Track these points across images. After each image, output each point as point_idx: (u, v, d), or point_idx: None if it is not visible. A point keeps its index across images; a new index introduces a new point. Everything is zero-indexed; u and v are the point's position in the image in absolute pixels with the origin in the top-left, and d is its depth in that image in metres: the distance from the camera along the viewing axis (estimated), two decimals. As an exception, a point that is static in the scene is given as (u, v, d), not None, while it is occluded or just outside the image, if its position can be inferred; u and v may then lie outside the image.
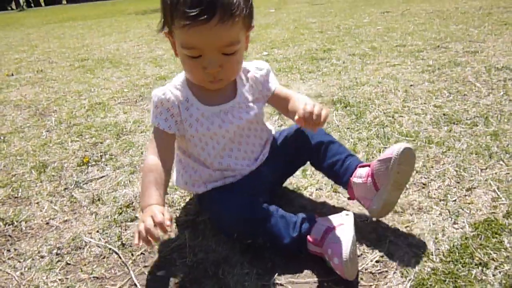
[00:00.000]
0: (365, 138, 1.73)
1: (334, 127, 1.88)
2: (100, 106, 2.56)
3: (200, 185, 1.20)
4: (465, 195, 1.28)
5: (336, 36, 4.37)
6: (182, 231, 1.24)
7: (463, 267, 0.99)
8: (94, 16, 12.02)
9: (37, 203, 1.47)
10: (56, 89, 3.13)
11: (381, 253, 1.07)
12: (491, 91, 2.17)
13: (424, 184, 1.36)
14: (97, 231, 1.27)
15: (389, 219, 1.20)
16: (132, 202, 1.41)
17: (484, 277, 0.95)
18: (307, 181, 1.44)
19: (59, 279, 1.08)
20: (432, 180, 1.38)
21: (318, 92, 2.44)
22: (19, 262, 1.16)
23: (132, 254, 1.15)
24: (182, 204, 1.38)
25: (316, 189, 1.39)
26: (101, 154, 1.82)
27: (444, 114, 1.91)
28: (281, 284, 1.00)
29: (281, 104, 1.23)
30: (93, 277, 1.08)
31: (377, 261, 1.04)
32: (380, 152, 1.59)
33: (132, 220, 1.31)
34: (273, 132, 1.33)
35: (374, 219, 1.20)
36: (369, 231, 1.16)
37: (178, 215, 1.32)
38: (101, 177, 1.61)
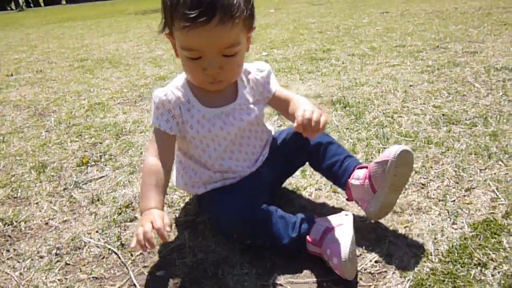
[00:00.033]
0: (365, 139, 1.73)
1: (334, 127, 1.88)
2: (100, 106, 2.56)
3: (200, 186, 1.20)
4: (464, 196, 1.28)
5: (335, 36, 4.37)
6: (181, 232, 1.24)
7: (462, 267, 0.99)
8: (93, 16, 12.02)
9: (37, 203, 1.47)
10: (56, 89, 3.13)
11: (380, 253, 1.07)
12: (490, 92, 2.17)
13: (423, 185, 1.36)
14: (97, 231, 1.27)
15: (388, 220, 1.20)
16: (132, 202, 1.41)
17: (483, 277, 0.95)
18: (307, 181, 1.44)
19: (58, 279, 1.08)
20: (431, 180, 1.38)
21: (317, 92, 2.44)
22: (19, 262, 1.16)
23: (132, 254, 1.15)
24: (182, 205, 1.38)
25: (316, 189, 1.39)
26: (101, 154, 1.82)
27: (443, 115, 1.91)
28: (280, 284, 1.00)
29: (281, 106, 1.23)
30: (92, 277, 1.08)
31: (376, 261, 1.04)
32: (379, 153, 1.59)
33: (131, 220, 1.31)
34: (273, 133, 1.33)
35: (372, 220, 1.20)
36: (368, 231, 1.16)
37: (177, 215, 1.33)
38: (101, 177, 1.61)
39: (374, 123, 1.89)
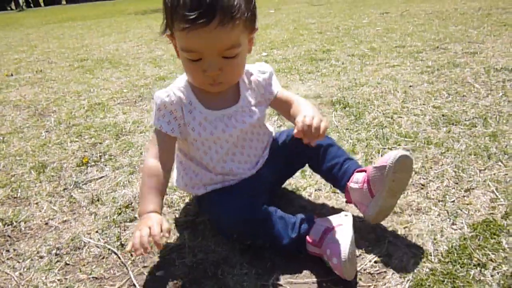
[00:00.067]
0: (364, 139, 1.73)
1: (333, 128, 1.88)
2: (100, 106, 2.56)
3: (200, 187, 1.20)
4: (464, 196, 1.28)
5: (335, 36, 4.37)
6: (181, 232, 1.24)
7: (461, 267, 0.99)
8: (93, 16, 12.02)
9: (36, 203, 1.47)
10: (56, 89, 3.13)
11: (380, 253, 1.07)
12: (490, 92, 2.17)
13: (423, 185, 1.36)
14: (96, 232, 1.27)
15: (388, 220, 1.20)
16: (131, 203, 1.41)
17: (482, 278, 0.95)
18: (306, 182, 1.44)
19: (58, 280, 1.08)
20: (431, 181, 1.38)
21: (317, 93, 2.44)
22: (18, 262, 1.16)
23: (131, 255, 1.15)
24: (182, 205, 1.38)
25: (315, 190, 1.39)
26: (101, 154, 1.82)
27: (443, 115, 1.91)
28: (280, 284, 1.00)
29: (283, 107, 1.22)
30: (92, 277, 1.08)
31: (375, 262, 1.04)
32: (379, 153, 1.60)
33: (131, 221, 1.31)
34: (273, 134, 1.33)
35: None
36: (368, 232, 1.16)
37: (177, 215, 1.33)
38: (101, 178, 1.61)
39: (374, 124, 1.89)
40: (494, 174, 1.39)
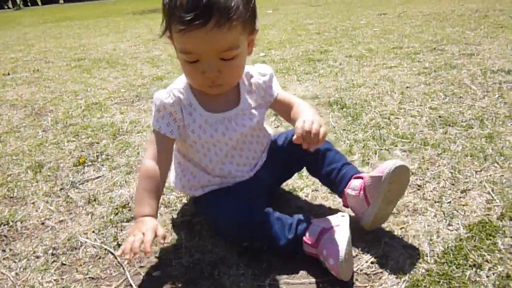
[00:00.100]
0: (361, 140, 1.74)
1: (331, 129, 1.89)
2: (97, 106, 2.55)
3: (198, 188, 1.20)
4: (460, 197, 1.29)
5: (333, 37, 4.38)
6: (178, 232, 1.24)
7: (457, 268, 0.99)
8: (91, 15, 12.00)
9: (33, 203, 1.46)
10: (53, 88, 3.12)
11: (376, 254, 1.07)
12: (487, 94, 2.18)
13: (419, 186, 1.37)
14: (93, 232, 1.27)
15: (385, 221, 1.20)
16: (128, 203, 1.41)
17: (478, 279, 0.96)
18: (303, 182, 1.44)
19: (54, 280, 1.08)
20: (427, 182, 1.39)
21: (314, 93, 2.44)
22: (14, 262, 1.16)
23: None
24: (179, 205, 1.38)
25: (312, 190, 1.39)
26: (98, 154, 1.81)
27: (439, 116, 1.92)
28: (277, 285, 1.00)
29: (283, 109, 1.22)
30: (89, 277, 1.08)
31: (372, 262, 1.05)
32: (376, 154, 1.60)
33: (128, 221, 1.31)
34: (272, 136, 1.33)
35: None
36: (365, 232, 1.16)
37: (174, 216, 1.33)
38: (97, 178, 1.61)
39: (371, 125, 1.90)
40: (490, 175, 1.39)
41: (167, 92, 1.10)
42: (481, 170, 1.43)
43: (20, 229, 1.31)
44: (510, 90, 2.21)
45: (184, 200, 1.40)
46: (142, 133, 2.03)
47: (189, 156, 1.19)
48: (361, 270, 1.03)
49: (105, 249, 1.18)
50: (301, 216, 1.08)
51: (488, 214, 1.19)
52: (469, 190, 1.32)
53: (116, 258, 1.14)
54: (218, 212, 1.11)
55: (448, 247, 1.06)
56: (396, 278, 0.99)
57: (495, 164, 1.45)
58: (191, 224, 1.27)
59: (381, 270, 1.02)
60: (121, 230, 1.27)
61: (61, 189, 1.55)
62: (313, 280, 1.01)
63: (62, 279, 1.08)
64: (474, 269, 0.99)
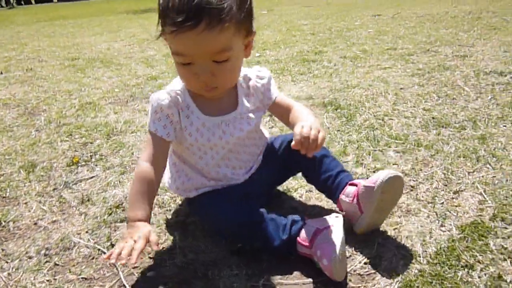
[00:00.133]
0: (355, 141, 1.74)
1: (325, 129, 1.89)
2: (91, 106, 2.54)
3: (192, 190, 1.19)
4: (453, 198, 1.30)
5: (327, 38, 4.39)
6: (172, 232, 1.23)
7: (449, 269, 1.00)
8: (85, 14, 11.93)
9: (26, 203, 1.45)
10: (46, 88, 3.10)
11: (370, 254, 1.08)
12: (479, 95, 2.20)
13: (412, 187, 1.38)
14: (86, 232, 1.26)
15: (378, 221, 1.21)
16: (122, 203, 1.40)
17: (470, 279, 0.96)
18: (297, 183, 1.44)
19: (47, 280, 1.07)
20: (420, 183, 1.40)
21: (309, 94, 2.45)
22: (7, 262, 1.15)
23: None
24: (173, 205, 1.38)
25: (306, 191, 1.40)
26: (91, 154, 1.81)
27: (433, 118, 1.93)
28: (270, 286, 1.00)
29: (281, 113, 1.22)
30: (82, 278, 1.07)
31: (365, 263, 1.05)
32: (369, 155, 1.61)
33: (121, 221, 1.30)
34: (268, 139, 1.32)
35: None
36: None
37: (168, 216, 1.32)
38: (91, 178, 1.60)
39: (365, 126, 1.90)
40: (483, 176, 1.40)
41: (164, 93, 1.09)
42: (473, 171, 1.44)
43: (12, 229, 1.31)
44: (503, 91, 2.23)
45: (178, 201, 1.40)
46: (136, 133, 2.02)
47: (185, 158, 1.18)
48: (354, 271, 1.03)
49: (99, 250, 1.18)
50: (295, 217, 1.08)
51: (480, 215, 1.20)
52: (462, 191, 1.33)
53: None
54: (213, 213, 1.11)
55: (440, 248, 1.07)
56: (389, 278, 0.99)
57: (488, 165, 1.47)
58: (185, 225, 1.27)
59: (374, 271, 1.02)
60: (115, 231, 1.26)
61: (54, 189, 1.54)
62: (307, 280, 1.01)
63: (55, 279, 1.07)
64: (466, 269, 0.99)
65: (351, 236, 1.13)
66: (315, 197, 1.36)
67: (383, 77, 2.70)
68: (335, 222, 1.03)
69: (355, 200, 1.11)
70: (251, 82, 1.18)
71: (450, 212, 1.22)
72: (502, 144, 1.61)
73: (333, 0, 9.39)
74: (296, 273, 1.04)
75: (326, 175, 1.21)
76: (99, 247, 1.19)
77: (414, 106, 2.11)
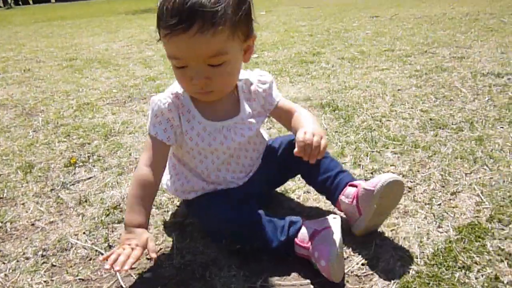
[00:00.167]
0: (353, 142, 1.75)
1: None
2: (88, 106, 2.54)
3: (191, 192, 1.19)
4: (450, 199, 1.30)
5: (325, 39, 4.40)
6: (169, 233, 1.23)
7: (446, 270, 1.00)
8: (83, 15, 11.91)
9: (23, 204, 1.45)
10: (44, 88, 3.10)
11: (367, 256, 1.08)
12: (477, 97, 2.20)
13: (410, 188, 1.38)
14: (84, 233, 1.26)
15: (375, 222, 1.21)
16: (120, 204, 1.40)
17: (467, 280, 0.97)
18: (295, 184, 1.44)
19: (44, 281, 1.07)
20: (418, 184, 1.40)
21: (307, 95, 2.45)
22: (3, 263, 1.15)
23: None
24: (170, 206, 1.38)
25: (304, 192, 1.40)
26: (89, 155, 1.80)
27: (430, 119, 1.94)
28: (268, 287, 1.00)
29: (282, 116, 1.21)
30: (79, 279, 1.07)
31: (363, 264, 1.05)
32: (367, 156, 1.61)
33: (119, 222, 1.30)
34: (267, 139, 1.32)
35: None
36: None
37: (166, 217, 1.32)
38: (89, 178, 1.60)
39: (363, 127, 1.91)
40: (480, 177, 1.41)
41: (164, 97, 1.08)
42: (470, 173, 1.44)
43: (9, 230, 1.30)
44: (500, 93, 2.23)
45: (176, 202, 1.40)
46: (134, 134, 2.02)
47: (185, 161, 1.18)
48: (352, 272, 1.03)
49: (96, 251, 1.17)
50: (293, 218, 1.08)
51: (477, 216, 1.21)
52: (459, 192, 1.34)
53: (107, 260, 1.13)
54: (211, 214, 1.11)
55: (438, 249, 1.07)
56: (387, 279, 0.99)
57: (485, 167, 1.47)
58: (182, 226, 1.27)
59: (371, 272, 1.02)
60: (112, 231, 1.26)
61: (51, 189, 1.53)
62: (305, 281, 1.01)
63: (52, 280, 1.07)
64: (463, 271, 1.00)
65: (349, 237, 1.14)
66: (313, 198, 1.36)
67: (381, 78, 2.71)
68: (333, 223, 1.03)
69: (354, 201, 1.11)
70: (252, 86, 1.17)
71: (447, 213, 1.23)
72: (499, 145, 1.62)
73: (332, 1, 9.40)
74: (294, 274, 1.04)
75: (325, 176, 1.21)
76: (96, 248, 1.18)
77: (411, 108, 2.11)
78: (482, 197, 1.29)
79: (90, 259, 1.14)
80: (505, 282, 0.96)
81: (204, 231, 1.21)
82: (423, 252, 1.07)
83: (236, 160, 1.19)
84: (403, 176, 1.45)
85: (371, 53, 3.51)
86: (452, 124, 1.85)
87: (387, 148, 1.67)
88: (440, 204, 1.28)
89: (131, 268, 1.07)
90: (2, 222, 1.34)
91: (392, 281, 0.99)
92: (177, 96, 1.09)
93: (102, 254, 1.15)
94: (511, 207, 1.23)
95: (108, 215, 1.34)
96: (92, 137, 2.01)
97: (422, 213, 1.24)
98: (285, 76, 2.96)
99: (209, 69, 0.97)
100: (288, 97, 2.35)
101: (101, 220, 1.32)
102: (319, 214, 1.27)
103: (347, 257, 1.08)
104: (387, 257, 1.07)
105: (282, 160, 1.26)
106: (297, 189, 1.42)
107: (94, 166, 1.70)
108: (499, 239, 1.10)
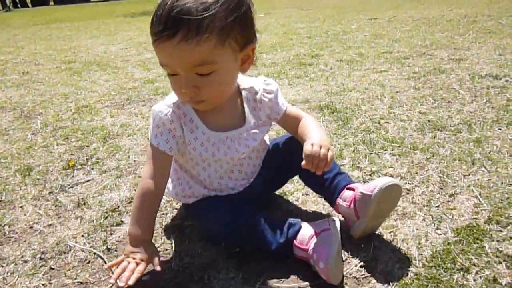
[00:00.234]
0: (352, 144, 1.75)
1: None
2: (87, 109, 2.54)
3: (191, 197, 1.19)
4: (448, 201, 1.30)
5: (324, 41, 4.41)
6: (168, 236, 1.23)
7: (445, 272, 1.00)
8: (81, 18, 11.92)
9: (21, 207, 1.45)
10: (42, 91, 3.10)
11: (366, 258, 1.08)
12: (475, 99, 2.21)
13: (408, 190, 1.38)
14: (82, 236, 1.26)
15: (374, 224, 1.21)
16: (118, 207, 1.40)
17: (465, 282, 0.97)
18: (294, 186, 1.44)
19: (43, 284, 1.07)
20: (416, 186, 1.40)
21: (305, 97, 2.45)
22: (2, 266, 1.14)
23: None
24: (169, 209, 1.38)
25: (303, 194, 1.40)
26: (87, 157, 1.80)
27: (428, 121, 1.94)
28: (266, 289, 1.00)
29: (289, 124, 1.21)
30: (77, 282, 1.07)
31: (361, 266, 1.05)
32: (366, 158, 1.61)
33: (117, 225, 1.30)
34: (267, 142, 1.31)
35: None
36: (354, 236, 1.17)
37: (164, 219, 1.32)
38: (87, 181, 1.60)
39: (361, 129, 1.91)
40: (478, 179, 1.41)
41: (165, 107, 1.05)
42: (469, 174, 1.44)
43: (8, 233, 1.30)
44: (498, 94, 2.24)
45: (175, 204, 1.40)
46: (133, 136, 2.02)
47: (187, 167, 1.18)
48: (350, 274, 1.03)
49: (94, 253, 1.17)
50: (291, 220, 1.08)
51: (475, 218, 1.21)
52: (457, 194, 1.34)
53: (106, 262, 1.13)
54: (210, 217, 1.11)
55: (436, 251, 1.08)
56: (385, 281, 0.99)
57: (483, 168, 1.47)
58: (181, 228, 1.27)
59: (370, 274, 1.03)
60: (111, 234, 1.26)
61: (50, 192, 1.53)
62: (304, 283, 1.01)
63: (51, 283, 1.07)
64: (461, 272, 1.00)
65: (347, 239, 1.14)
66: (312, 201, 1.36)
67: (379, 80, 2.71)
68: (332, 225, 1.03)
69: (352, 205, 1.11)
70: (257, 95, 1.15)
71: (445, 215, 1.23)
72: (497, 147, 1.62)
73: (330, 3, 9.42)
74: (292, 277, 1.04)
75: (323, 178, 1.21)
76: (95, 251, 1.18)
77: (410, 109, 2.12)
78: (480, 199, 1.30)
79: (89, 262, 1.14)
80: (503, 284, 0.96)
81: (204, 234, 1.21)
82: (421, 254, 1.07)
83: (239, 168, 1.19)
84: (401, 178, 1.45)
85: (369, 55, 3.52)
86: (450, 126, 1.86)
87: (386, 150, 1.67)
88: (438, 206, 1.28)
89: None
90: (0, 225, 1.34)
91: (391, 283, 0.99)
92: (179, 106, 1.06)
93: (101, 257, 1.15)
94: (509, 208, 1.24)
95: (106, 217, 1.34)
96: (90, 140, 2.01)
97: (420, 215, 1.24)
98: (283, 78, 2.97)
99: (198, 78, 0.95)
100: (286, 99, 2.33)
101: (100, 223, 1.31)
102: (318, 216, 1.27)
103: (346, 259, 1.08)
104: (386, 259, 1.07)
105: (282, 161, 1.26)
106: (295, 191, 1.42)
107: (92, 168, 1.70)
108: (497, 240, 1.10)
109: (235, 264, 1.09)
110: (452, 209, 1.26)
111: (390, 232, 1.17)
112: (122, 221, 1.31)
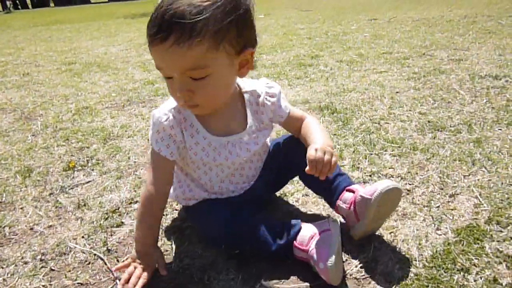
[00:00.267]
0: (352, 145, 1.75)
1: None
2: (87, 110, 2.54)
3: (192, 199, 1.19)
4: (448, 202, 1.30)
5: (324, 42, 4.41)
6: (168, 237, 1.23)
7: (445, 272, 1.00)
8: (82, 19, 11.93)
9: (22, 208, 1.45)
10: (43, 92, 3.10)
11: (366, 258, 1.08)
12: (475, 99, 2.21)
13: (408, 191, 1.38)
14: (82, 237, 1.26)
15: (374, 225, 1.21)
16: (118, 208, 1.40)
17: (465, 283, 0.97)
18: (294, 187, 1.44)
19: (43, 285, 1.07)
20: (416, 186, 1.40)
21: (305, 98, 2.45)
22: (2, 268, 1.14)
23: (118, 260, 1.14)
24: (169, 210, 1.38)
25: (303, 195, 1.40)
26: (88, 159, 1.80)
27: (428, 121, 1.94)
28: (266, 290, 1.00)
29: (291, 126, 1.21)
30: (78, 283, 1.07)
31: (361, 267, 1.05)
32: (366, 159, 1.61)
33: (118, 226, 1.30)
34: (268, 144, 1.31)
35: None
36: (354, 237, 1.17)
37: (164, 220, 1.32)
38: (87, 182, 1.60)
39: (361, 129, 1.91)
40: (478, 179, 1.41)
41: (165, 112, 1.04)
42: (469, 175, 1.44)
43: (8, 235, 1.30)
44: (498, 95, 2.24)
45: (175, 205, 1.40)
46: (133, 137, 2.02)
47: (187, 171, 1.18)
48: (350, 275, 1.03)
49: (95, 255, 1.17)
50: (292, 221, 1.08)
51: (476, 219, 1.21)
52: (457, 194, 1.34)
53: (106, 264, 1.13)
54: (210, 219, 1.11)
55: (436, 251, 1.07)
56: (386, 282, 0.99)
57: (483, 169, 1.47)
58: (181, 229, 1.27)
59: (370, 275, 1.02)
60: (111, 235, 1.26)
61: (50, 194, 1.53)
62: (304, 284, 1.01)
63: (51, 284, 1.07)
64: (462, 273, 1.00)
65: (348, 240, 1.13)
66: (312, 201, 1.36)
67: (379, 81, 2.71)
68: (332, 226, 1.03)
69: (352, 207, 1.10)
70: (260, 99, 1.14)
71: (445, 216, 1.23)
72: (498, 147, 1.62)
73: (330, 4, 9.42)
74: (292, 277, 1.03)
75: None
76: (95, 252, 1.18)
77: (410, 110, 2.12)
78: (481, 199, 1.29)
79: (89, 263, 1.14)
80: (504, 284, 0.96)
81: (204, 236, 1.20)
82: (421, 255, 1.07)
83: (240, 172, 1.18)
84: (401, 178, 1.45)
85: (369, 55, 3.52)
86: (450, 126, 1.86)
87: (386, 150, 1.67)
88: (438, 207, 1.28)
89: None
90: (0, 227, 1.34)
91: (391, 284, 0.98)
92: (179, 111, 1.05)
93: (101, 258, 1.15)
94: (510, 209, 1.24)
95: (107, 219, 1.34)
96: (91, 141, 2.01)
97: (420, 215, 1.24)
98: (283, 79, 2.97)
99: (191, 82, 0.93)
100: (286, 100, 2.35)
101: (100, 224, 1.32)
102: (318, 217, 1.27)
103: (346, 259, 1.08)
104: (386, 259, 1.07)
105: (283, 162, 1.25)
106: (295, 192, 1.42)
107: (93, 170, 1.70)
108: (498, 241, 1.10)
109: (235, 265, 1.09)
110: (452, 210, 1.26)
111: (390, 233, 1.17)
112: (122, 222, 1.32)
